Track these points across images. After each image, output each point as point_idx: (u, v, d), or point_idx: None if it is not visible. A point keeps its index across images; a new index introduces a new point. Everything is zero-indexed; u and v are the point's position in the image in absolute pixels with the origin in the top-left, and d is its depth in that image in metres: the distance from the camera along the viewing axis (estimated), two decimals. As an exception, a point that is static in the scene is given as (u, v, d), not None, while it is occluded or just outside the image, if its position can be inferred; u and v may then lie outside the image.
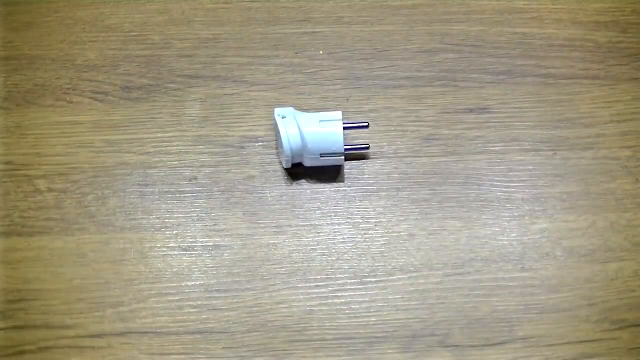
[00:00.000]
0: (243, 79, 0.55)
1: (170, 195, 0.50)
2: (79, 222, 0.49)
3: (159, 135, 0.52)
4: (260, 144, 0.52)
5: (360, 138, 0.52)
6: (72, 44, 0.56)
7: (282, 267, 0.47)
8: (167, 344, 0.45)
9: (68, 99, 0.54)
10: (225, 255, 0.48)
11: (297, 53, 0.55)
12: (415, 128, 0.52)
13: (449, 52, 0.56)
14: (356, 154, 0.51)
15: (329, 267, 0.47)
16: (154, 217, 0.49)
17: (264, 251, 0.48)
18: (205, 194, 0.50)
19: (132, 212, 0.49)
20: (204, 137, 0.52)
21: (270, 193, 0.50)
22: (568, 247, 0.48)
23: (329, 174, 0.51)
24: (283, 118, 0.48)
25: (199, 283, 0.47)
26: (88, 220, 0.49)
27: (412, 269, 0.47)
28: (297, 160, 0.48)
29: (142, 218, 0.49)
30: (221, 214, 0.49)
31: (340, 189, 0.50)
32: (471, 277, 0.47)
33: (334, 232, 0.48)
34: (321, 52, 0.56)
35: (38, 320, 0.46)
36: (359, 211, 0.49)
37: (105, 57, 0.56)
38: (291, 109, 0.49)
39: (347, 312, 0.46)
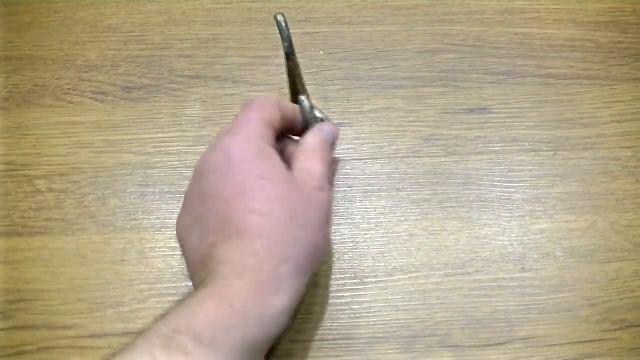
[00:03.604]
0: (243, 79, 0.55)
1: (170, 195, 0.50)
2: (79, 222, 0.49)
3: (159, 135, 0.52)
4: (260, 144, 0.52)
5: (360, 138, 0.52)
6: (72, 44, 0.56)
7: (282, 267, 0.47)
8: (167, 344, 0.45)
9: (68, 99, 0.54)
10: (225, 255, 0.48)
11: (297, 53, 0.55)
12: (415, 128, 0.52)
13: (449, 52, 0.56)
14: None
15: (329, 267, 0.47)
16: (154, 217, 0.49)
17: (264, 251, 0.48)
18: (205, 194, 0.50)
19: (132, 212, 0.49)
20: (204, 137, 0.52)
21: (270, 193, 0.50)
22: (568, 247, 0.48)
23: (329, 174, 0.51)
24: None
25: (199, 283, 0.47)
26: (88, 220, 0.49)
27: (412, 269, 0.47)
28: None
29: (142, 218, 0.49)
30: (221, 214, 0.49)
31: (340, 189, 0.50)
32: (471, 277, 0.47)
33: (334, 232, 0.48)
34: (321, 52, 0.56)
35: (38, 320, 0.45)
36: (359, 211, 0.49)
37: (105, 57, 0.56)
38: None
39: (347, 312, 0.46)
